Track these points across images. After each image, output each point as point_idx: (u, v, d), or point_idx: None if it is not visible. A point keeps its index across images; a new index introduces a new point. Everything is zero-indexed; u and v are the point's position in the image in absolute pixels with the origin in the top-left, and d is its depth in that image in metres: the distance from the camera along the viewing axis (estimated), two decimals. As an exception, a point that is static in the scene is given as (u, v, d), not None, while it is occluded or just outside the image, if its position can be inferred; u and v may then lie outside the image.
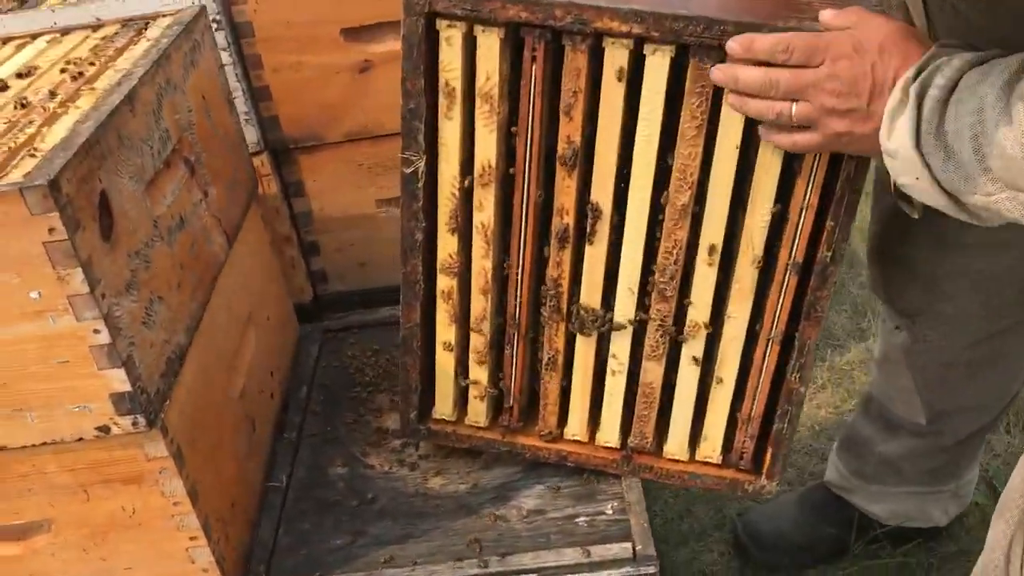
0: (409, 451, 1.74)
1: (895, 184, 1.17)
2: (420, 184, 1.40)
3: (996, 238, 1.46)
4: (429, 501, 1.64)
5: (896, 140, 1.11)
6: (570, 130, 1.34)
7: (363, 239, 2.10)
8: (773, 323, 1.43)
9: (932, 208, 1.17)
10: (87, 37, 1.70)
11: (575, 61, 1.28)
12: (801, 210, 1.34)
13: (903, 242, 1.69)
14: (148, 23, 1.70)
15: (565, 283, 1.46)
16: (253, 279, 1.82)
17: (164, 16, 1.72)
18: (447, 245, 1.47)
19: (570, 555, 1.48)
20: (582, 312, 1.48)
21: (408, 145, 1.37)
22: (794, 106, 1.17)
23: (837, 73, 1.13)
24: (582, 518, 1.57)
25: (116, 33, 1.69)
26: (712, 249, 1.39)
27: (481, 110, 1.35)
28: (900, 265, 1.72)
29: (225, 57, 1.85)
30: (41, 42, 1.70)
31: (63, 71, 1.53)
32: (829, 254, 1.36)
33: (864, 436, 1.98)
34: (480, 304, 1.51)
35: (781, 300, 1.41)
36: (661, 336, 1.47)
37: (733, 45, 1.18)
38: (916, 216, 1.23)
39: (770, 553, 2.08)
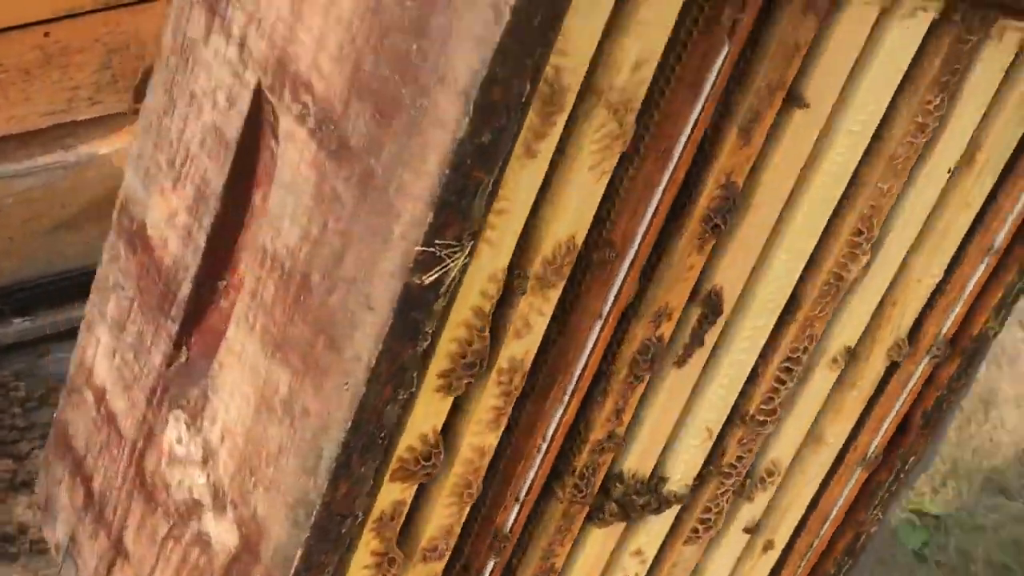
0: None
1: None
2: (442, 302, 0.56)
3: None
4: None
5: None
6: (737, 163, 0.63)
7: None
8: (873, 439, 0.89)
9: None
10: None
11: (799, 31, 0.58)
12: (986, 252, 0.81)
13: None
14: None
15: (620, 438, 0.72)
16: None
17: None
18: (430, 416, 0.61)
19: None
20: (622, 486, 0.75)
21: (446, 224, 0.53)
22: None
23: None
24: None
25: None
26: (845, 344, 0.80)
27: (602, 130, 0.55)
28: None
29: None
30: None
31: None
32: (995, 327, 0.86)
33: None
34: (448, 519, 0.68)
35: (900, 402, 0.87)
36: (725, 499, 0.82)
37: None
38: None
39: None
